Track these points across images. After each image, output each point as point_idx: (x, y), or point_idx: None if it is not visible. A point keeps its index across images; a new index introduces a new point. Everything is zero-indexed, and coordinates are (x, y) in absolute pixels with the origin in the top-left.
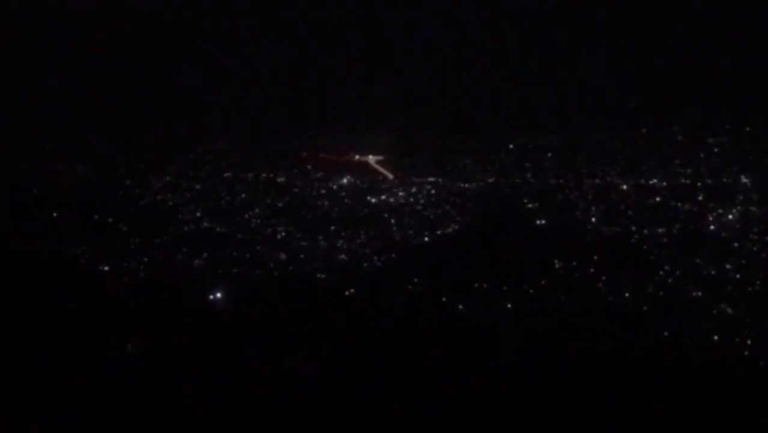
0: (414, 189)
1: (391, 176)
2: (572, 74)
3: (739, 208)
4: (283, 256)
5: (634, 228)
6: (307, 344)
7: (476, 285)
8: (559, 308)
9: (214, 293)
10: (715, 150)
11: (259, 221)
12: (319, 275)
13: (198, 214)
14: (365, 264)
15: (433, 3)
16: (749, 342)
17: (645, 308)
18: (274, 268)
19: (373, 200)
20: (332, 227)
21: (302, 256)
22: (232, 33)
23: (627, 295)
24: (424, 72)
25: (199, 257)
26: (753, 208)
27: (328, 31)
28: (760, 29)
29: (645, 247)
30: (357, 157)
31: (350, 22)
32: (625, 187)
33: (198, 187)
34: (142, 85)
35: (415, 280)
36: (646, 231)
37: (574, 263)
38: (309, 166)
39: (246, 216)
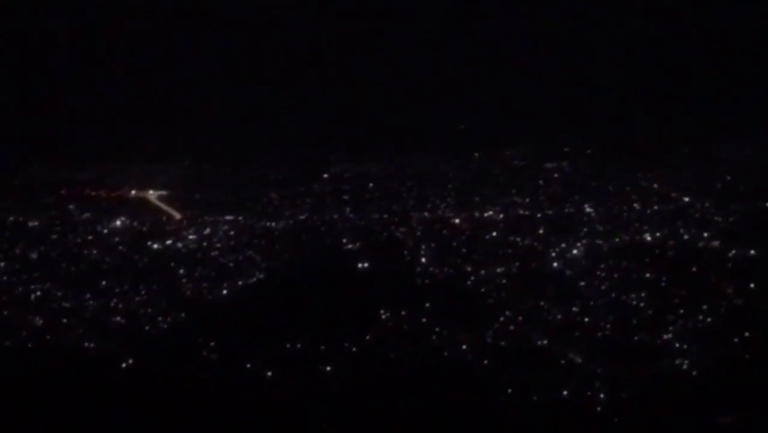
0: (207, 231)
1: (177, 216)
2: (394, 92)
3: (584, 241)
4: (38, 321)
5: (469, 269)
6: None
7: (288, 346)
8: (388, 367)
9: None
10: (555, 176)
11: (5, 277)
12: (87, 344)
13: None
14: (147, 327)
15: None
16: (602, 396)
17: (485, 362)
18: (28, 336)
19: (156, 246)
20: (103, 282)
21: (65, 320)
22: None
23: (464, 347)
24: (217, 90)
25: None
26: (599, 242)
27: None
28: (596, 51)
29: (482, 290)
30: (134, 193)
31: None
32: (457, 221)
33: None
34: None
35: (212, 344)
36: (482, 272)
37: (403, 313)
38: (71, 206)
39: None
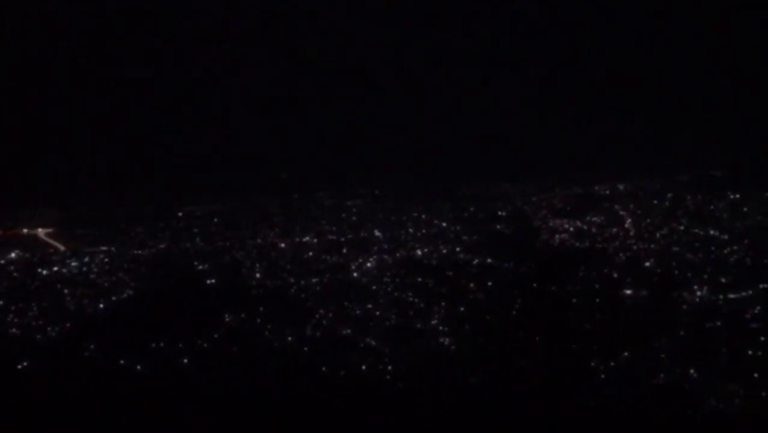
0: (87, 259)
1: (62, 248)
2: (233, 150)
3: (375, 257)
4: None
5: (292, 280)
6: None
7: (153, 345)
8: (232, 357)
9: None
10: (354, 210)
11: None
12: None
13: None
14: (39, 336)
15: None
16: (390, 368)
17: (305, 349)
18: None
19: (45, 272)
20: (2, 302)
21: None
22: None
23: (290, 339)
24: (92, 151)
25: None
26: (386, 257)
27: None
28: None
29: (303, 295)
30: (26, 231)
31: None
32: (283, 245)
33: None
34: None
35: (92, 347)
36: (302, 282)
37: (243, 315)
38: None
39: None
